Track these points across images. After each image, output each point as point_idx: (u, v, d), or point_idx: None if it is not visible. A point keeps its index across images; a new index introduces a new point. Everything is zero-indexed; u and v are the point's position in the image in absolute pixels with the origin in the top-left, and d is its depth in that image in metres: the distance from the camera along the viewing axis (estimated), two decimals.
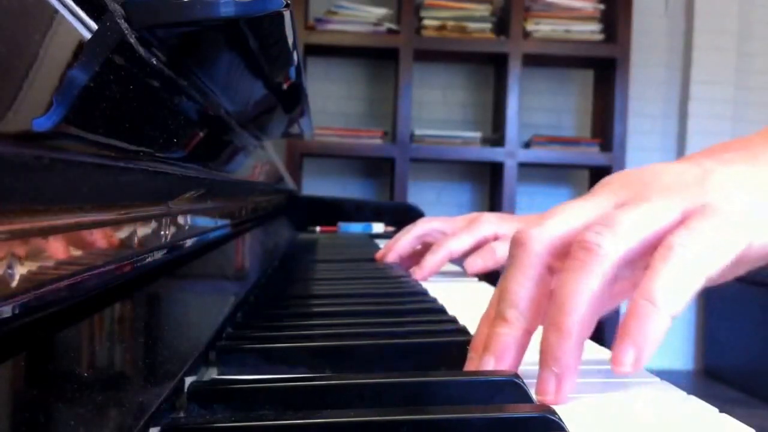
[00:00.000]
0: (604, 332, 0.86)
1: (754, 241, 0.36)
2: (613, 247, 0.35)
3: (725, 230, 0.35)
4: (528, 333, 0.38)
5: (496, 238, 0.88)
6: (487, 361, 0.37)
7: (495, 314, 0.39)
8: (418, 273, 0.88)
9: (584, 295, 0.35)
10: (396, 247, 0.95)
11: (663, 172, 0.39)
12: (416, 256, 0.93)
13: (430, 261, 0.88)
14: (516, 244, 0.39)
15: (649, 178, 0.39)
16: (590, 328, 0.35)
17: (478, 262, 0.84)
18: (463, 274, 0.92)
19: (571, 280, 0.35)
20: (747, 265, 0.38)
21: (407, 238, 0.94)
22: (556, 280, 0.37)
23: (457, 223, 0.92)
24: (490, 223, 0.88)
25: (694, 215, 0.36)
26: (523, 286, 0.38)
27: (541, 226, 0.39)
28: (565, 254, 0.37)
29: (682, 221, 0.36)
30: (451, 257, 0.90)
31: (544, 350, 0.35)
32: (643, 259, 0.37)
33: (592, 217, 0.38)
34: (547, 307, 0.37)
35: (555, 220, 0.39)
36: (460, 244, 0.87)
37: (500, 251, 0.85)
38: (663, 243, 0.35)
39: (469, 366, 0.38)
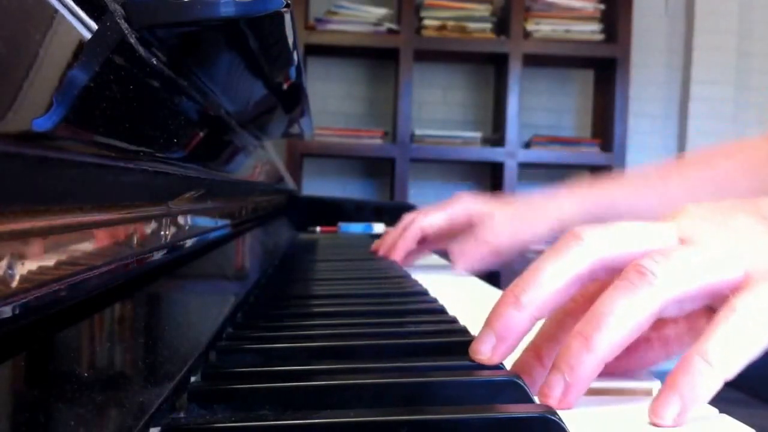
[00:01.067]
0: None
1: None
2: (668, 283, 0.34)
3: None
4: (535, 320, 0.37)
5: (469, 216, 0.90)
6: (489, 336, 0.37)
7: (515, 290, 0.37)
8: (393, 254, 0.91)
9: (625, 318, 0.34)
10: (387, 240, 0.97)
11: (735, 219, 0.38)
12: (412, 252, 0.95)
13: (403, 238, 0.90)
14: (574, 236, 0.37)
15: (723, 228, 0.37)
16: (616, 353, 0.34)
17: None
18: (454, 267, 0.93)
19: (615, 299, 0.34)
20: None
21: (395, 233, 0.97)
22: (600, 292, 0.35)
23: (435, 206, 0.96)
24: (464, 201, 0.91)
25: (759, 281, 0.34)
26: (559, 279, 0.36)
27: (604, 232, 0.37)
28: (611, 270, 0.36)
29: (744, 282, 0.35)
30: (423, 232, 0.92)
31: (563, 356, 0.34)
32: (688, 306, 0.36)
33: (655, 246, 0.37)
34: (581, 314, 0.36)
35: (619, 233, 0.37)
36: (430, 220, 0.91)
37: (482, 233, 0.87)
38: (727, 304, 0.34)
39: (478, 338, 0.38)
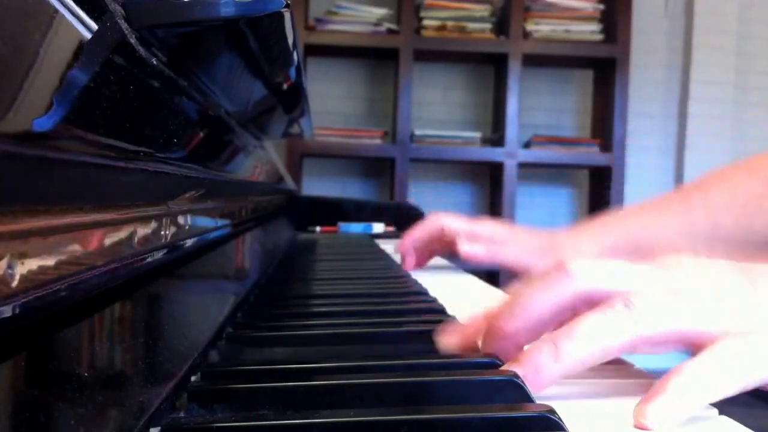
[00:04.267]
0: None
1: None
2: (650, 322, 0.35)
3: (762, 353, 0.35)
4: (520, 347, 0.38)
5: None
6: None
7: (499, 317, 0.39)
8: (407, 240, 0.89)
9: (600, 341, 0.35)
10: (407, 242, 0.94)
11: (724, 278, 0.38)
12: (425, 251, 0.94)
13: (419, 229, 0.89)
14: (560, 269, 0.38)
15: (709, 285, 0.38)
16: (580, 369, 0.35)
17: (469, 248, 0.85)
18: (455, 268, 0.92)
19: (596, 322, 0.35)
20: None
21: (421, 235, 0.94)
22: (582, 313, 0.36)
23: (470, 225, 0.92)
24: (485, 233, 0.87)
25: (735, 337, 0.35)
26: (541, 308, 0.38)
27: (590, 266, 0.38)
28: (593, 304, 0.37)
29: (721, 337, 0.35)
30: (443, 229, 0.90)
31: (528, 355, 0.35)
32: (661, 348, 0.37)
33: (640, 288, 0.37)
34: (553, 327, 0.37)
35: (605, 269, 0.38)
36: (455, 223, 0.88)
37: (496, 248, 0.85)
38: (719, 342, 0.35)
39: (443, 337, 0.41)
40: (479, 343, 0.41)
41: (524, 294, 0.39)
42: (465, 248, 0.85)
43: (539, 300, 0.38)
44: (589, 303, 0.37)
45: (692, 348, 0.36)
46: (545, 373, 0.35)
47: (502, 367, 0.36)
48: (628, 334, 0.35)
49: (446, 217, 0.93)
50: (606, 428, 0.32)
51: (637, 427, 0.32)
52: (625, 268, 0.39)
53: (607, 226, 0.84)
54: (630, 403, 0.34)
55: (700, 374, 0.33)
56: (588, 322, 0.35)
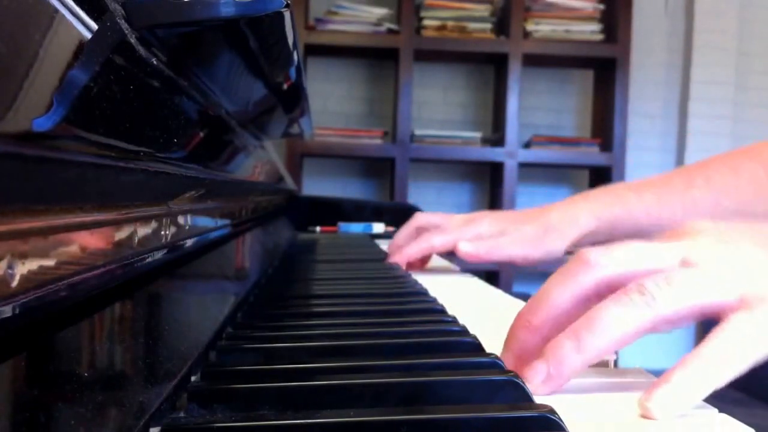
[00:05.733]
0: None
1: None
2: (665, 304, 0.36)
3: None
4: (547, 340, 0.39)
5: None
6: (507, 359, 0.40)
7: (526, 311, 0.40)
8: (396, 256, 0.88)
9: (618, 330, 0.36)
10: (396, 241, 0.95)
11: (737, 244, 0.40)
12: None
13: (412, 247, 0.88)
14: (580, 260, 0.40)
15: (724, 251, 0.39)
16: (602, 357, 0.37)
17: (470, 247, 0.84)
18: (455, 269, 0.92)
19: (613, 310, 0.36)
20: None
21: (403, 233, 0.95)
22: (599, 302, 0.38)
23: (454, 220, 0.92)
24: (484, 225, 0.88)
25: (754, 303, 0.36)
26: (565, 298, 0.39)
27: (609, 254, 0.40)
28: (616, 289, 0.38)
29: (738, 304, 0.36)
30: (432, 251, 0.90)
31: (552, 348, 0.37)
32: (680, 324, 0.38)
33: (657, 266, 0.39)
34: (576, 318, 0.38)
35: (623, 255, 0.40)
36: (444, 241, 0.87)
37: (490, 243, 0.85)
38: (726, 320, 0.36)
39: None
40: (514, 347, 0.41)
41: (548, 288, 0.40)
42: (463, 249, 0.85)
43: (562, 292, 0.39)
44: (612, 288, 0.38)
45: (709, 318, 0.37)
46: (569, 364, 0.36)
47: (532, 364, 0.37)
48: (643, 318, 0.36)
49: (421, 215, 0.95)
50: (606, 427, 0.32)
51: (643, 416, 0.33)
52: (641, 249, 0.40)
53: (607, 196, 0.84)
54: (631, 402, 0.34)
55: (705, 363, 0.34)
56: (605, 311, 0.36)
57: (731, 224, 0.42)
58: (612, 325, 0.36)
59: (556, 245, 0.84)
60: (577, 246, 0.84)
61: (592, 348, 0.36)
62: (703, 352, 0.35)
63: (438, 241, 0.87)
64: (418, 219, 0.95)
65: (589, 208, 0.83)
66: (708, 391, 0.34)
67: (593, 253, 0.40)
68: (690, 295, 0.37)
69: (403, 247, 0.90)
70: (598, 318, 0.36)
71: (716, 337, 0.35)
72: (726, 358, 0.35)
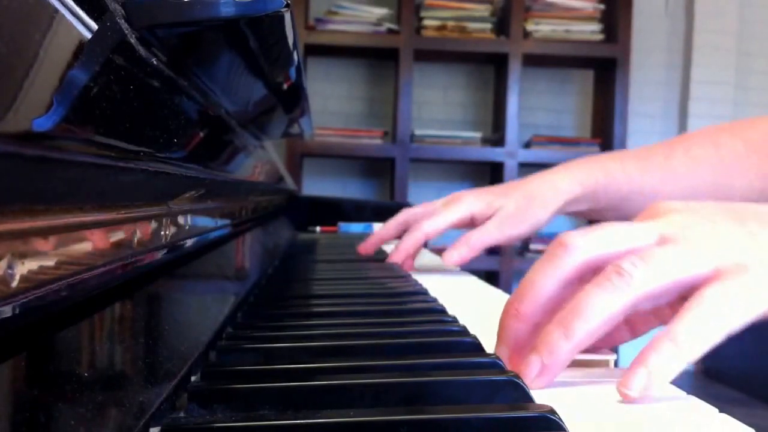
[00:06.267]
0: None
1: None
2: (643, 282, 0.37)
3: (755, 291, 0.37)
4: (539, 327, 0.40)
5: (472, 218, 0.89)
6: (502, 351, 0.41)
7: (513, 301, 0.41)
8: (394, 256, 0.89)
9: (602, 311, 0.37)
10: (378, 233, 0.96)
11: (712, 224, 0.41)
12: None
13: (406, 242, 0.89)
14: (558, 244, 0.41)
15: (699, 227, 0.40)
16: (591, 341, 0.38)
17: (455, 255, 0.86)
18: (455, 268, 0.92)
19: (594, 294, 0.37)
20: None
21: (389, 225, 0.95)
22: (581, 289, 0.39)
23: (436, 205, 0.93)
24: (467, 203, 0.89)
25: (729, 273, 0.37)
26: (549, 284, 0.40)
27: (587, 236, 0.41)
28: (597, 270, 0.39)
29: (713, 275, 0.38)
30: (427, 238, 0.91)
31: (543, 341, 0.37)
32: (662, 300, 0.40)
33: (635, 245, 0.40)
34: (560, 308, 0.39)
35: (601, 236, 0.41)
36: (435, 224, 0.89)
37: (474, 238, 0.86)
38: (697, 294, 0.37)
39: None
40: (506, 337, 0.41)
41: (532, 275, 0.41)
42: (449, 260, 0.86)
43: (546, 278, 0.40)
44: (593, 270, 0.39)
45: (688, 291, 0.38)
46: (560, 352, 0.37)
47: (526, 360, 0.38)
48: (625, 298, 0.37)
49: (404, 211, 0.96)
50: (606, 427, 0.32)
51: (624, 399, 0.34)
52: (618, 229, 0.41)
53: (589, 164, 0.86)
54: (631, 402, 0.34)
55: (679, 342, 0.35)
56: (587, 297, 0.37)
57: (703, 202, 0.43)
58: (596, 309, 0.37)
59: (538, 215, 0.86)
60: (561, 214, 0.87)
61: (580, 333, 0.37)
62: (676, 329, 0.36)
63: (429, 226, 0.89)
64: (401, 214, 0.97)
65: (571, 175, 0.85)
66: (682, 367, 0.35)
67: (571, 236, 0.41)
68: (666, 271, 0.38)
69: (398, 245, 0.91)
70: (582, 304, 0.37)
71: (689, 312, 0.36)
72: (698, 333, 0.36)
